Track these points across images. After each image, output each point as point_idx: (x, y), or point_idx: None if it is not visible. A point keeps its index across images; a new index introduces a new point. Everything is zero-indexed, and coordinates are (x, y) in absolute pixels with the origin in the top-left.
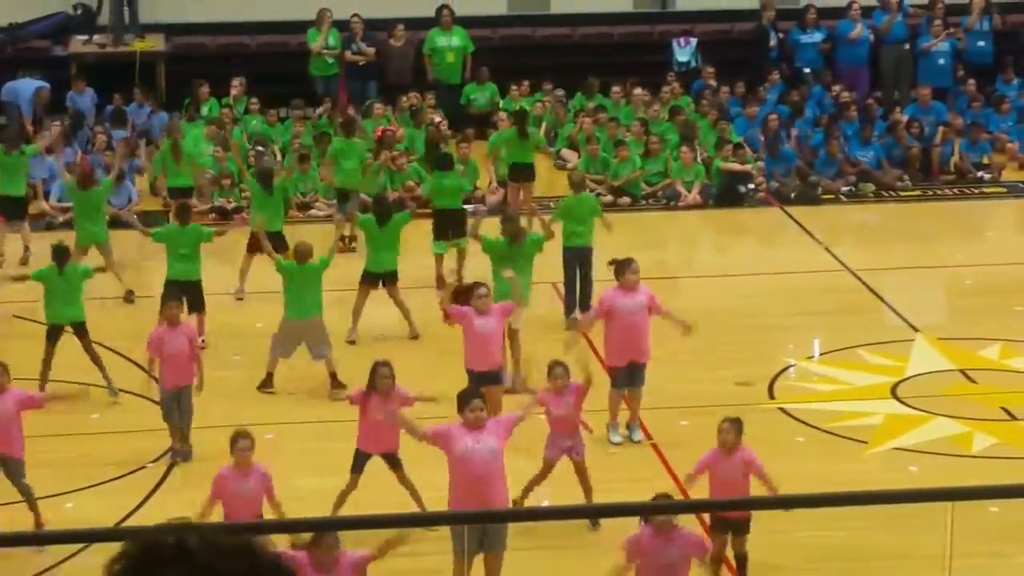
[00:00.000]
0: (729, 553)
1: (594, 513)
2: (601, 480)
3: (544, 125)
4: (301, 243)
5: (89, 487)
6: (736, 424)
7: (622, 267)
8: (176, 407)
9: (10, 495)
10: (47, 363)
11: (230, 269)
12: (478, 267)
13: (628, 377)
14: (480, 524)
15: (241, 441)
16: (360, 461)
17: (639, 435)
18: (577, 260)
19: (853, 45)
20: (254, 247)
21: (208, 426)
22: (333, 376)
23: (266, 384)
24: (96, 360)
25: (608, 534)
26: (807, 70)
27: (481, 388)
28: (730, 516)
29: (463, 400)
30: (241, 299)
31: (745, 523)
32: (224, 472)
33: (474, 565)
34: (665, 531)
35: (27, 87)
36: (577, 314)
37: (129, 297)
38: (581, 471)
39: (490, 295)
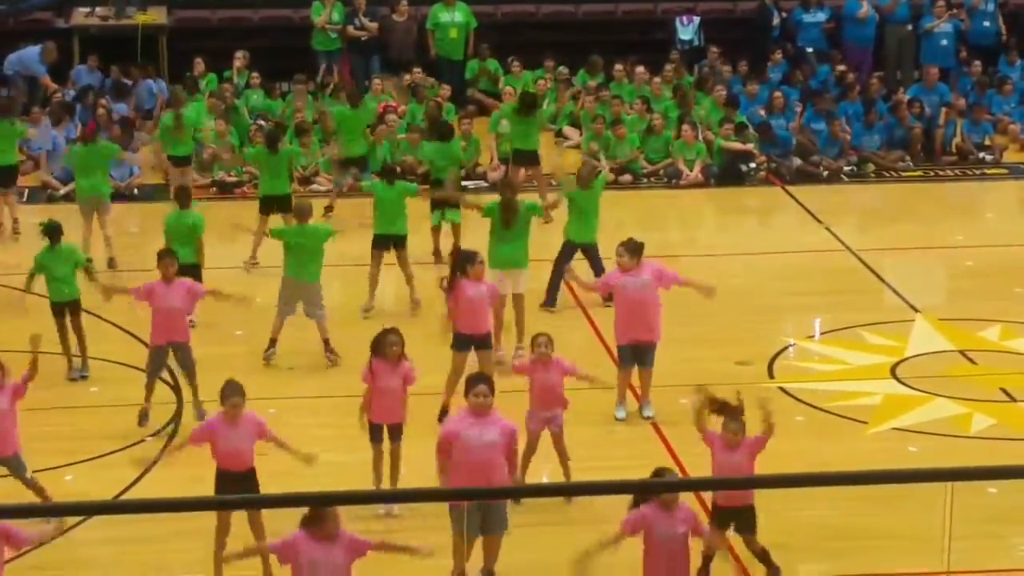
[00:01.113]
0: (745, 555)
1: (595, 490)
2: (600, 458)
3: (547, 103)
4: (301, 201)
5: (88, 460)
6: (743, 424)
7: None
8: (162, 362)
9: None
10: (63, 339)
11: (230, 245)
12: (473, 239)
13: (635, 358)
14: (480, 508)
15: (233, 397)
16: (376, 433)
17: (650, 411)
18: (573, 255)
19: (859, 25)
20: (266, 210)
21: (210, 400)
22: (327, 343)
23: (268, 348)
24: (81, 340)
25: (607, 511)
26: (810, 50)
27: (473, 351)
28: (732, 505)
29: (468, 385)
30: (256, 263)
31: (749, 516)
32: (213, 421)
33: (474, 546)
34: (669, 506)
35: (31, 52)
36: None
37: (112, 264)
38: (559, 442)
39: (485, 263)
